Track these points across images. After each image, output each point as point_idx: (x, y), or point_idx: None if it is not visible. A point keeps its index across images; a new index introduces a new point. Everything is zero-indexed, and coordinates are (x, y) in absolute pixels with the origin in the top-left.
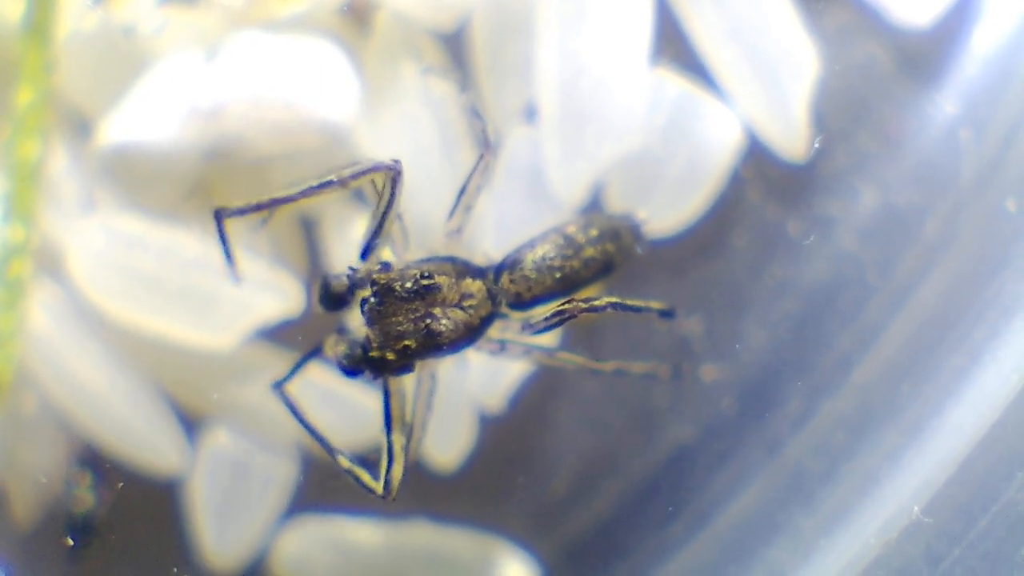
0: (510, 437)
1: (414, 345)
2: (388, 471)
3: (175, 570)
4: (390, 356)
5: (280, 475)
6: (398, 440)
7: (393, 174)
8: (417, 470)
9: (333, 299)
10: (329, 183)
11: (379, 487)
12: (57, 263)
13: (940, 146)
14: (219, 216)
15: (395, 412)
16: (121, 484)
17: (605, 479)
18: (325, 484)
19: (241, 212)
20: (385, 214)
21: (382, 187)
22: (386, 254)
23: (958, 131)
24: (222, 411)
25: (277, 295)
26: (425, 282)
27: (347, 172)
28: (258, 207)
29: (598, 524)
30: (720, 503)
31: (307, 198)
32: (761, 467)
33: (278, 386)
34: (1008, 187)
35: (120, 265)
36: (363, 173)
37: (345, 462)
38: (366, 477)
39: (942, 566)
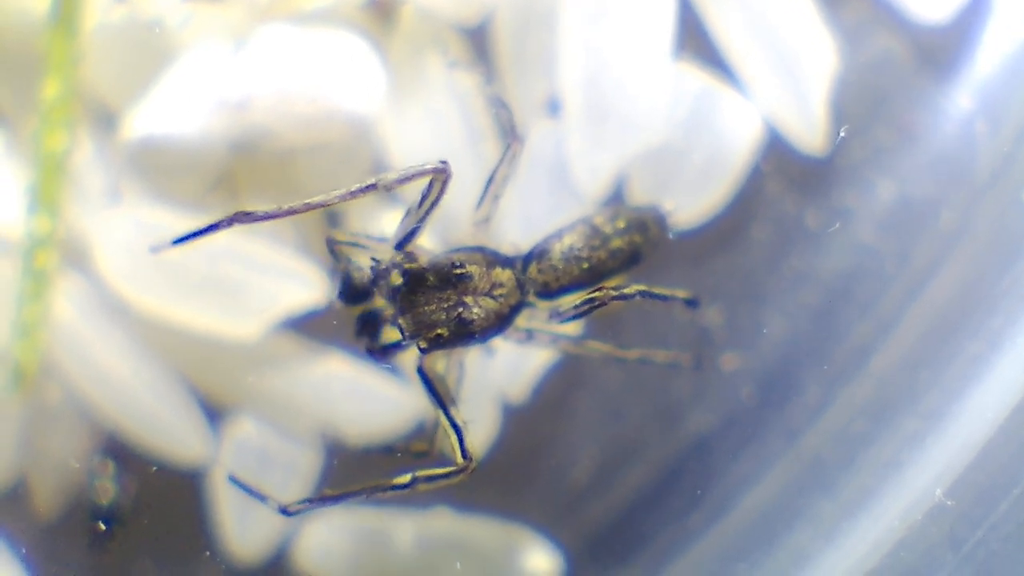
0: (533, 427)
1: (446, 333)
2: (461, 442)
3: (207, 553)
4: (422, 344)
5: (304, 465)
6: (456, 414)
7: (444, 177)
8: (440, 460)
9: (354, 292)
10: (371, 187)
11: (459, 458)
12: (83, 254)
13: (956, 139)
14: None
15: (441, 390)
16: (154, 469)
17: (626, 468)
18: (349, 474)
19: (269, 217)
20: (427, 214)
21: (427, 186)
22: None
23: (974, 124)
24: (247, 401)
25: (302, 285)
26: (457, 271)
27: (392, 176)
28: (291, 211)
29: (620, 512)
30: (741, 490)
31: (345, 201)
32: (781, 455)
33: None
34: (1023, 179)
35: (145, 256)
36: (411, 178)
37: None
38: (457, 451)
39: (964, 548)
